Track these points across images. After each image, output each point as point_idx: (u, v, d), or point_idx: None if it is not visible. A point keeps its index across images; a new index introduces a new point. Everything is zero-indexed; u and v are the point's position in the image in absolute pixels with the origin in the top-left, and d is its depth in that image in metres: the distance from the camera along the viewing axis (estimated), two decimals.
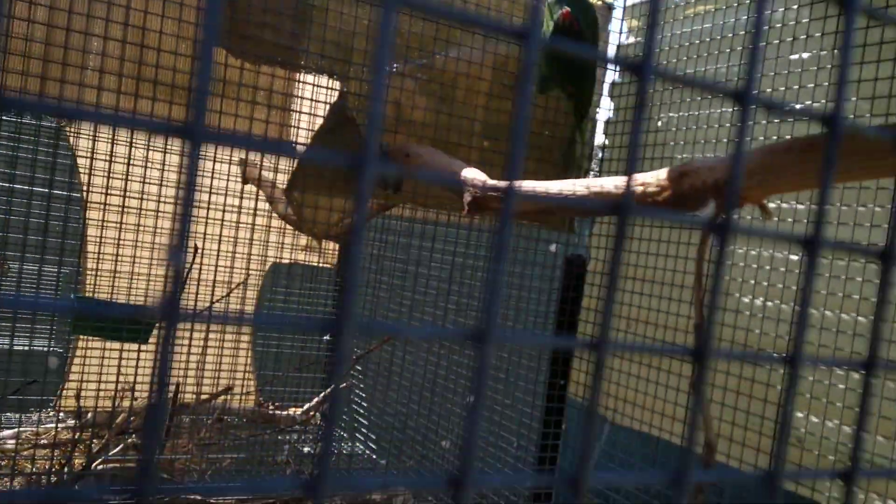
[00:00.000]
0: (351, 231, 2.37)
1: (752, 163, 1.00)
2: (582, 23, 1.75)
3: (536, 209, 1.36)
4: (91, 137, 1.78)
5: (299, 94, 1.73)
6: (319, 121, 1.74)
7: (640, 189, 1.24)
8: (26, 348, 2.17)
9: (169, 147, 1.81)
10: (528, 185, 1.39)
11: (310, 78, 1.73)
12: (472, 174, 1.53)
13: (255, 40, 1.62)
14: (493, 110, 1.95)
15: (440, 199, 1.81)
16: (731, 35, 1.78)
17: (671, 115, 1.91)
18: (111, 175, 1.73)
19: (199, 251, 1.76)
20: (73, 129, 1.94)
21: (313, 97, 1.73)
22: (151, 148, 1.78)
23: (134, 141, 1.73)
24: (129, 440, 1.79)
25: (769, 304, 1.70)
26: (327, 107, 1.74)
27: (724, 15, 1.80)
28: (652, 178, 1.22)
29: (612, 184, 1.28)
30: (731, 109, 1.76)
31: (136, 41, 1.50)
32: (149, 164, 1.77)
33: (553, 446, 2.19)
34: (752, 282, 1.73)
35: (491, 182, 1.48)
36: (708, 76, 1.84)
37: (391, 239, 2.56)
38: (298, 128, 1.73)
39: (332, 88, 1.77)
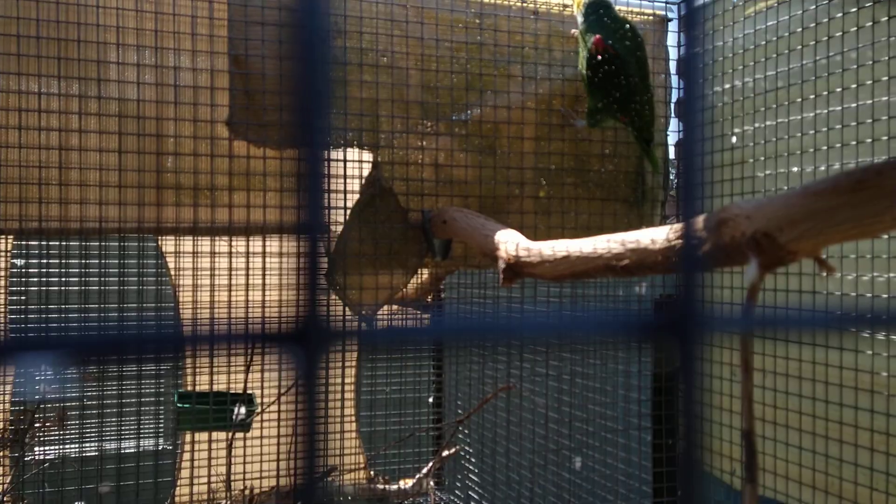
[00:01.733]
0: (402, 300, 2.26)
1: (793, 209, 0.79)
2: (619, 47, 1.55)
3: (572, 272, 1.18)
4: (175, 240, 1.79)
5: (329, 173, 1.66)
6: (354, 196, 1.65)
7: (678, 242, 1.04)
8: (132, 450, 2.22)
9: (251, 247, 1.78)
10: (561, 245, 1.22)
11: (337, 154, 1.65)
12: (504, 237, 1.37)
13: (273, 126, 1.56)
14: (543, 154, 1.78)
15: (487, 261, 1.66)
16: (799, 30, 1.51)
17: (746, 128, 1.65)
18: (199, 271, 1.73)
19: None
20: (161, 240, 1.96)
21: (345, 173, 1.64)
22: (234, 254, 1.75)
23: (216, 251, 1.70)
24: None
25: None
26: (358, 180, 1.65)
27: (789, 8, 1.54)
28: None
29: (649, 237, 1.09)
30: (812, 114, 1.49)
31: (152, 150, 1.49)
32: (233, 253, 1.74)
33: None
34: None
35: (524, 245, 1.32)
36: (770, 79, 1.58)
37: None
38: (330, 208, 1.64)
39: (362, 161, 1.68)
